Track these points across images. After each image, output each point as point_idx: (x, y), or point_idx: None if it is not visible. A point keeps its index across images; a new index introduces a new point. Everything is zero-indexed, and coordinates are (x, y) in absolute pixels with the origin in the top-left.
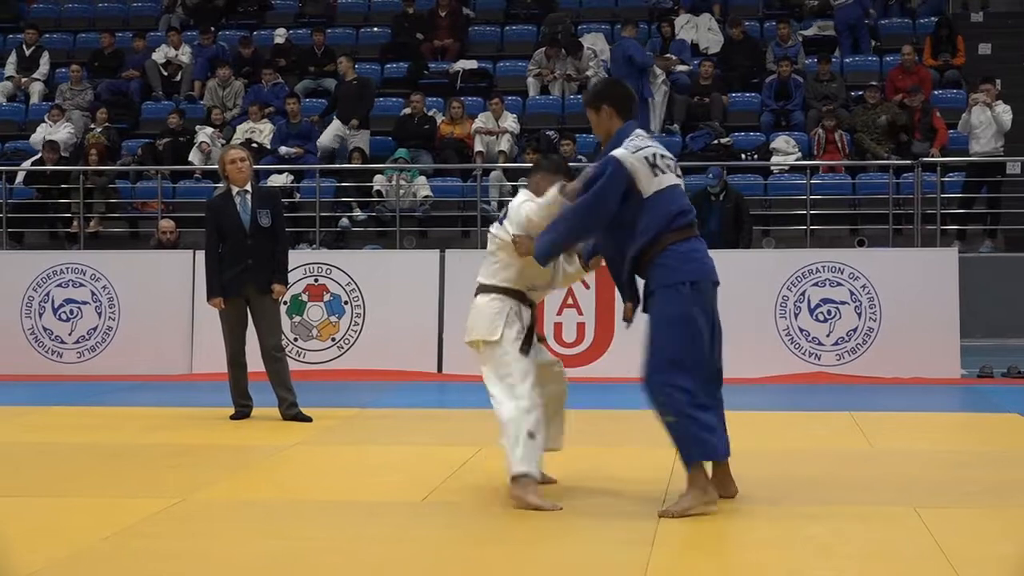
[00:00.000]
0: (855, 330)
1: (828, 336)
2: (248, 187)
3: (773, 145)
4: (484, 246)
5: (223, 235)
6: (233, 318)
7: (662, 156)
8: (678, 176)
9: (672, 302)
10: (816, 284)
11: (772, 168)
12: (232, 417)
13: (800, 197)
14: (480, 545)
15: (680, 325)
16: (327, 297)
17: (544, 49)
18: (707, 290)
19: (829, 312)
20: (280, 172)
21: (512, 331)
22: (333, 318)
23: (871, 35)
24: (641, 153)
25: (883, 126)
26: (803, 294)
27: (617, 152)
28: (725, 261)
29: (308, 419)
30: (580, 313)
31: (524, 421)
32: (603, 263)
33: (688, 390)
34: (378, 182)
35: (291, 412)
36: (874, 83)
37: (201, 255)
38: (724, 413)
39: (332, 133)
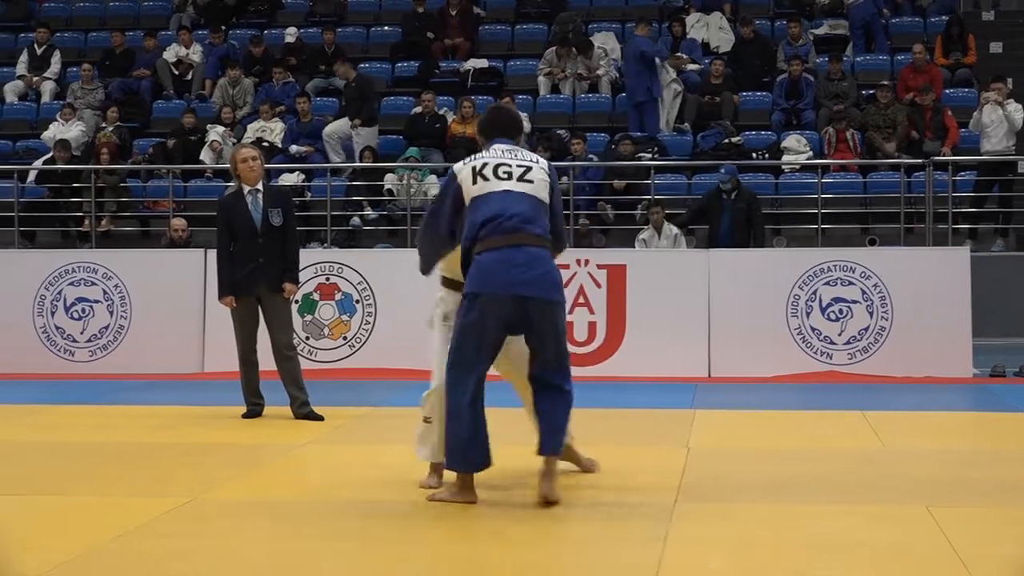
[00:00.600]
0: (867, 329)
1: (840, 335)
2: (260, 186)
3: (784, 144)
4: None
5: (234, 234)
6: (245, 317)
7: (501, 164)
8: (524, 182)
9: (461, 312)
10: (827, 283)
11: (783, 167)
12: (244, 416)
13: (811, 196)
14: (489, 544)
15: (458, 334)
16: (338, 296)
17: (555, 48)
18: (494, 303)
19: (841, 311)
20: (291, 171)
21: (438, 318)
22: (345, 317)
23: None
24: (472, 163)
25: (902, 125)
26: (815, 293)
27: (455, 165)
28: (736, 261)
29: (320, 418)
30: (592, 312)
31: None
32: None
33: (456, 396)
34: (389, 181)
35: (303, 411)
36: (885, 82)
37: (212, 254)
38: (553, 417)
39: (338, 132)
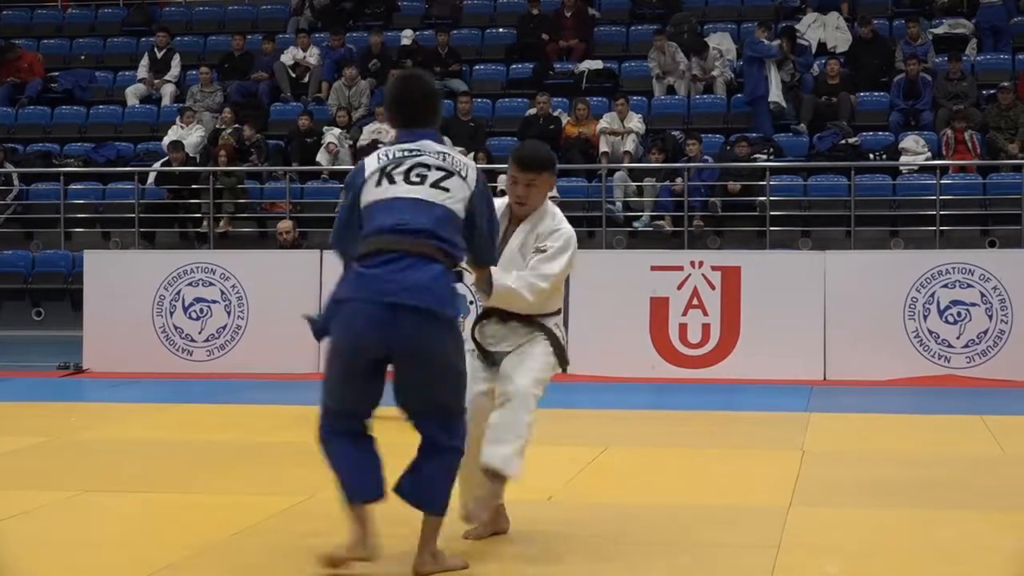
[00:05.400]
0: (986, 332)
1: (958, 338)
2: None
3: (902, 145)
4: (609, 246)
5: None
6: None
7: (420, 164)
8: (438, 188)
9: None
10: (946, 285)
11: (901, 168)
12: None
13: (930, 198)
14: (593, 546)
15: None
16: None
17: (655, 41)
18: (362, 313)
19: (959, 314)
20: None
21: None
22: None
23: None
24: (381, 162)
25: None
26: (932, 295)
27: (366, 160)
28: (852, 262)
29: None
30: (705, 314)
31: None
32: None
33: (326, 414)
34: (501, 182)
35: None
36: (1005, 83)
37: (329, 254)
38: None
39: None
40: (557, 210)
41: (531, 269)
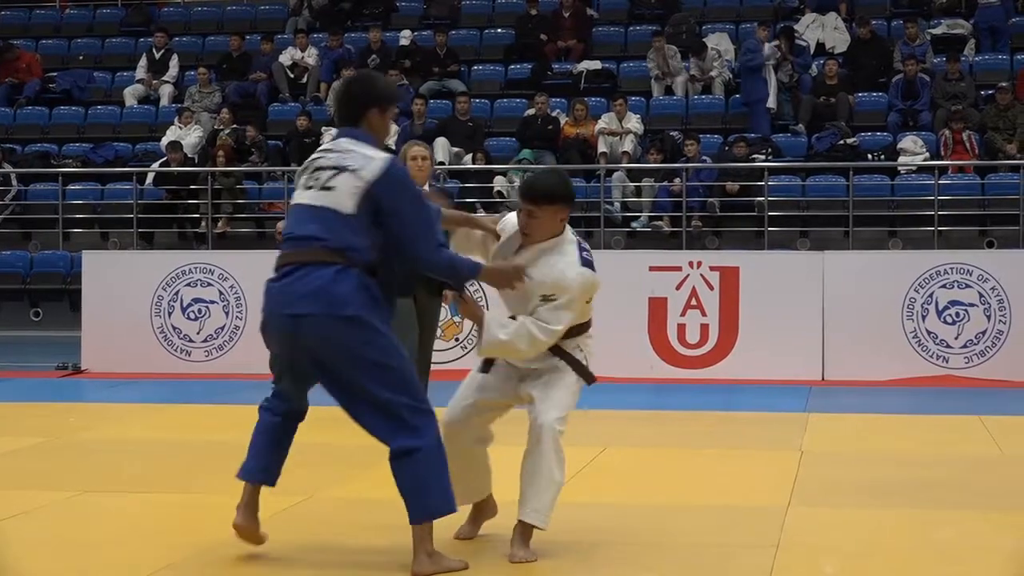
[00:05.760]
0: (984, 333)
1: (956, 339)
2: (427, 187)
3: (900, 145)
4: (607, 246)
5: None
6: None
7: (319, 168)
8: (326, 190)
9: None
10: (944, 286)
11: (899, 169)
12: None
13: (928, 198)
14: (592, 546)
15: None
16: (451, 297)
17: (654, 43)
18: (272, 327)
19: (957, 314)
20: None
21: None
22: (456, 318)
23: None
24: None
25: (1021, 126)
26: (931, 296)
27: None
28: (851, 263)
29: None
30: (704, 314)
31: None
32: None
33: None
34: (499, 183)
35: None
36: (1004, 84)
37: None
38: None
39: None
40: (574, 247)
41: (535, 318)
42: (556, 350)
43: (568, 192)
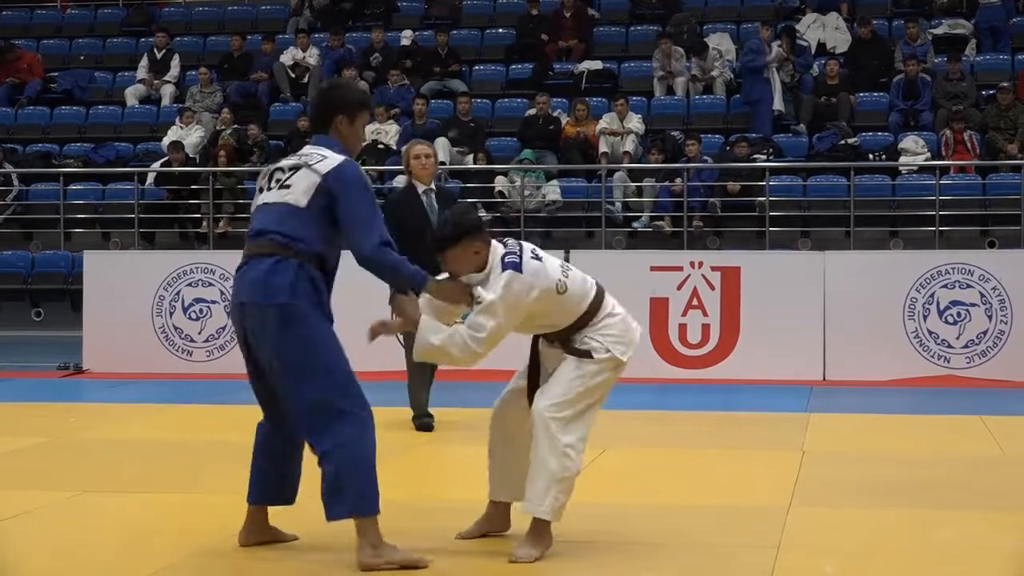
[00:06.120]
0: (985, 333)
1: (958, 339)
2: (433, 185)
3: (901, 145)
4: (609, 246)
5: (403, 234)
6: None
7: (278, 169)
8: (283, 188)
9: None
10: (945, 286)
11: (900, 169)
12: (418, 429)
13: (929, 198)
14: (592, 546)
15: None
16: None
17: (661, 44)
18: (231, 317)
19: (959, 314)
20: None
21: None
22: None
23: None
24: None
25: (1022, 126)
26: (932, 296)
27: None
28: (852, 263)
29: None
30: (705, 314)
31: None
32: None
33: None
34: (499, 183)
35: (425, 420)
36: (1005, 84)
37: None
38: (298, 457)
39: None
40: (498, 270)
41: (467, 325)
42: (565, 346)
43: (459, 228)
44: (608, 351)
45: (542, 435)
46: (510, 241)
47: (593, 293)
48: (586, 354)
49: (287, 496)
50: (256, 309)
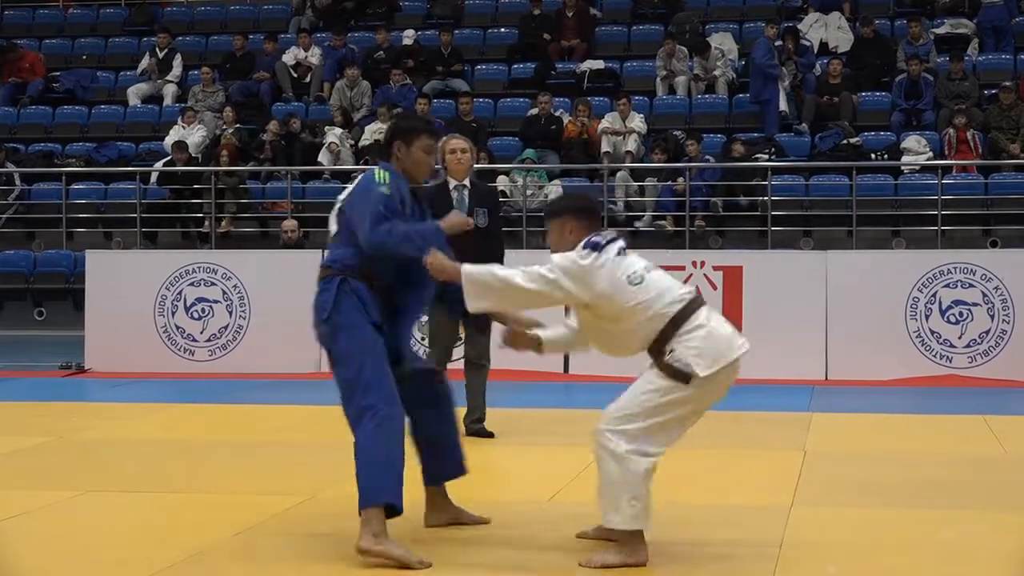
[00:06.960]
0: (988, 332)
1: (960, 338)
2: (467, 181)
3: (904, 145)
4: None
5: None
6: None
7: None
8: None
9: None
10: (947, 285)
11: (902, 168)
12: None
13: (931, 197)
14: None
15: None
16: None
17: (665, 44)
18: None
19: (961, 314)
20: None
21: None
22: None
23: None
24: None
25: None
26: (934, 295)
27: None
28: (854, 262)
29: (490, 434)
30: None
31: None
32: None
33: None
34: (502, 183)
35: (476, 426)
36: (1007, 83)
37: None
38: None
39: None
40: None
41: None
42: (654, 358)
43: (566, 206)
44: (686, 363)
45: (602, 452)
46: (604, 233)
47: (684, 301)
48: (666, 367)
49: (451, 470)
50: (315, 327)
